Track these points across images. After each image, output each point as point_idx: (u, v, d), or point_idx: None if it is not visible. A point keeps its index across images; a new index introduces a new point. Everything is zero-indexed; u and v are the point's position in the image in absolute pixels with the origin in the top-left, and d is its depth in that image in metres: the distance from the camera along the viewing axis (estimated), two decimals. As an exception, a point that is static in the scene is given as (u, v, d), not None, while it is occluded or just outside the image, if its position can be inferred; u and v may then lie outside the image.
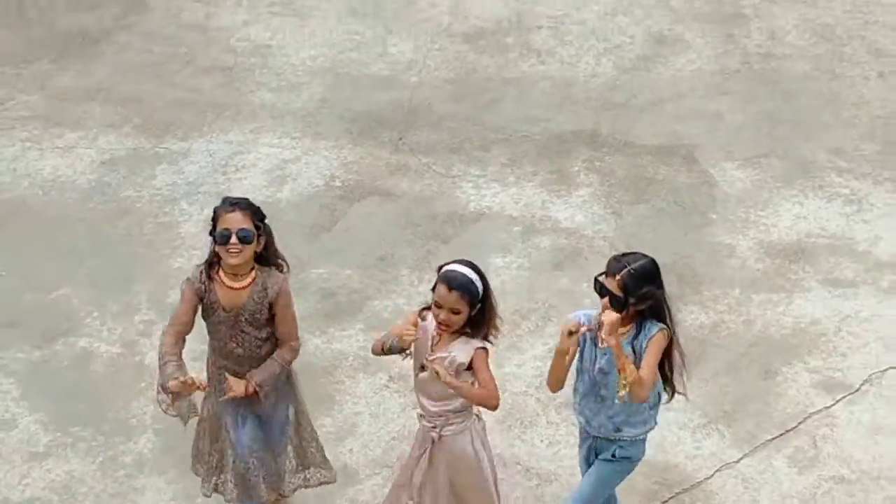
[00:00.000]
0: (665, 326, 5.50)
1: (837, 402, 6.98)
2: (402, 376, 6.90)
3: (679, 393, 5.69)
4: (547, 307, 7.54)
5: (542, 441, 6.79)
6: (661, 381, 5.66)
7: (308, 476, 6.12)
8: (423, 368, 5.62)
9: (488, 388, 5.56)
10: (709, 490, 6.53)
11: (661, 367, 5.57)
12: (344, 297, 7.59)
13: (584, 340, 5.59)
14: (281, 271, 5.77)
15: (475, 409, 5.72)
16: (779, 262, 7.86)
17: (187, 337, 5.73)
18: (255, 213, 5.65)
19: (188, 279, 5.75)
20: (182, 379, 5.48)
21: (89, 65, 9.60)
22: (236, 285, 5.69)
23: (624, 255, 5.54)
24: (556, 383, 5.67)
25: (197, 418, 6.00)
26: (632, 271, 5.39)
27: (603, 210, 8.26)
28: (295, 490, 6.12)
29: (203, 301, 5.74)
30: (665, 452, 6.67)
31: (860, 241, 8.01)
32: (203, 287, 5.71)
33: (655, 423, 5.77)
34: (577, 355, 5.64)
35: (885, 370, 7.15)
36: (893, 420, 6.87)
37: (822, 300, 7.59)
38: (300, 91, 9.34)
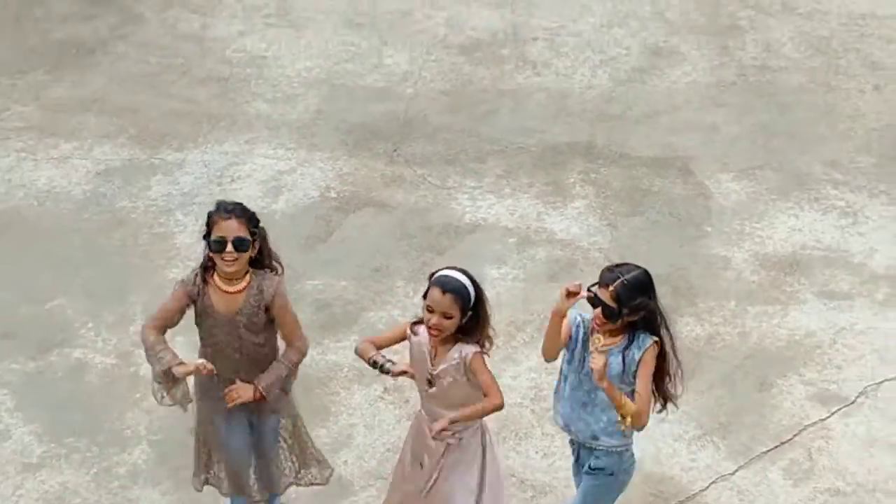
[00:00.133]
0: (657, 339, 5.51)
1: (833, 414, 6.99)
2: (398, 388, 6.91)
3: (671, 402, 5.68)
4: (542, 319, 7.52)
5: (536, 453, 6.80)
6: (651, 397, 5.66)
7: (301, 475, 6.13)
8: (430, 384, 5.63)
9: (491, 391, 5.60)
10: (704, 502, 6.53)
11: (654, 377, 5.56)
12: (339, 308, 7.59)
13: (576, 341, 5.58)
14: (275, 273, 5.77)
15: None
16: (774, 274, 7.88)
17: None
18: (250, 220, 5.66)
19: (182, 280, 5.76)
20: (193, 365, 5.55)
21: (85, 75, 9.61)
22: (231, 289, 5.70)
23: (617, 265, 5.55)
24: (549, 350, 5.62)
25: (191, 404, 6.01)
26: (625, 282, 5.41)
27: (598, 222, 8.28)
28: (287, 487, 6.14)
29: (196, 305, 5.75)
30: (660, 464, 6.68)
31: (855, 253, 8.03)
32: (197, 290, 5.72)
33: (632, 441, 5.74)
34: (567, 355, 5.63)
35: (881, 382, 7.17)
36: (889, 432, 6.88)
37: (818, 312, 7.60)
38: (296, 102, 9.35)
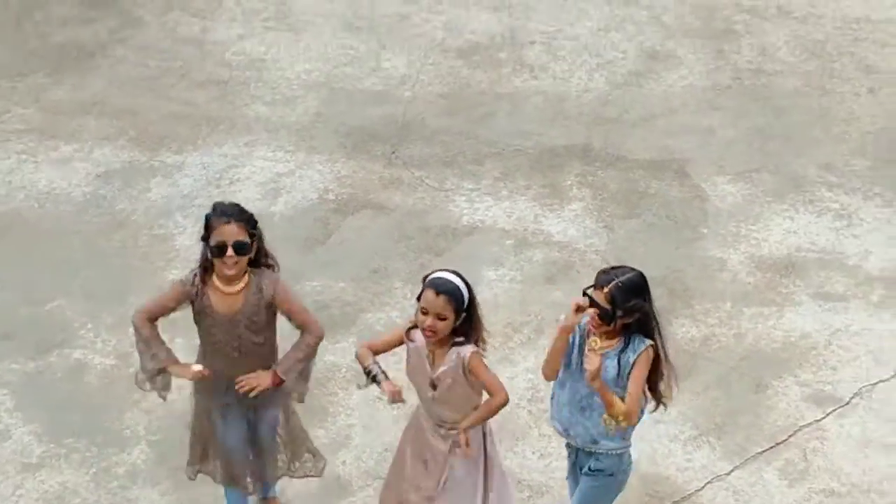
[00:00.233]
0: (652, 342, 5.51)
1: (828, 415, 7.00)
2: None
3: (662, 403, 5.69)
4: (539, 320, 7.55)
5: (533, 453, 6.80)
6: (643, 399, 5.66)
7: (293, 468, 6.13)
8: (433, 387, 5.64)
9: (494, 388, 5.62)
10: (699, 502, 6.54)
11: (648, 379, 5.57)
12: (337, 309, 7.59)
13: (573, 346, 5.59)
14: (272, 270, 5.78)
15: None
16: (769, 276, 7.88)
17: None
18: (248, 222, 5.66)
19: (181, 281, 5.77)
20: (190, 373, 5.70)
21: (85, 78, 9.61)
22: (231, 290, 5.70)
23: (612, 268, 5.56)
24: (552, 368, 5.64)
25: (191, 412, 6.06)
26: (619, 284, 5.42)
27: (595, 224, 8.28)
28: (279, 478, 6.14)
29: (194, 305, 5.75)
30: (656, 465, 6.68)
31: (850, 255, 8.03)
32: (195, 291, 5.72)
33: (630, 440, 5.75)
34: (564, 360, 5.64)
35: (875, 384, 7.17)
36: (883, 433, 6.89)
37: (813, 314, 7.61)
38: (294, 105, 9.35)
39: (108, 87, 9.53)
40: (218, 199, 8.20)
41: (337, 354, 7.33)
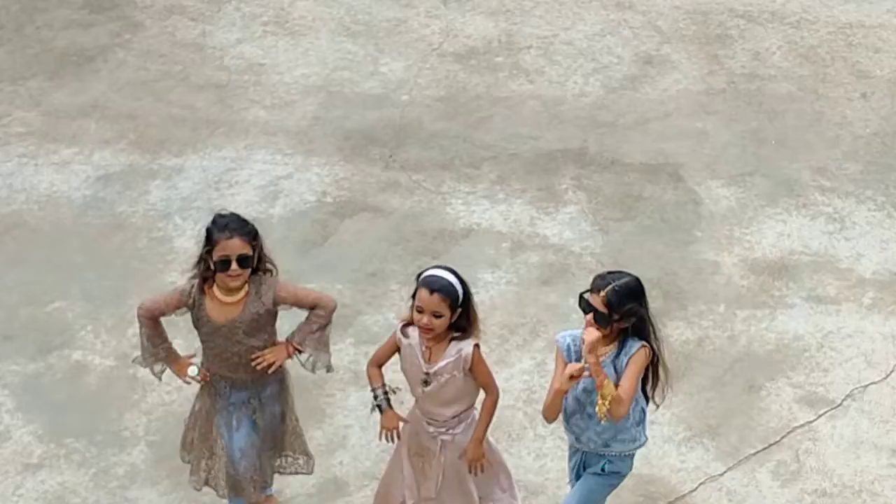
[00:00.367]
0: (647, 344, 5.53)
1: (820, 416, 7.00)
2: (392, 390, 6.89)
3: (653, 401, 5.72)
4: (535, 322, 7.55)
5: (529, 454, 6.80)
6: (642, 397, 5.68)
7: (284, 465, 6.13)
8: (426, 383, 5.65)
9: (490, 386, 5.68)
10: (693, 503, 6.54)
11: (643, 382, 5.60)
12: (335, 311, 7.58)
13: (570, 359, 5.60)
14: (270, 274, 5.78)
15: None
16: (763, 278, 7.88)
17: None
18: (250, 234, 5.66)
19: (180, 290, 5.78)
20: (190, 378, 5.81)
21: (85, 82, 9.60)
22: (231, 300, 5.70)
23: (609, 272, 5.59)
24: (552, 415, 5.69)
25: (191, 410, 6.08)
26: (616, 288, 5.43)
27: (590, 227, 8.28)
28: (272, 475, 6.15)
29: (192, 313, 5.76)
30: (650, 465, 6.68)
31: (842, 258, 8.03)
32: (192, 301, 5.72)
33: (646, 438, 5.79)
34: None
35: (867, 385, 7.18)
36: (875, 434, 6.90)
37: (805, 316, 7.61)
38: (293, 109, 9.35)
39: (108, 90, 9.52)
40: (217, 202, 8.30)
41: (334, 356, 7.25)
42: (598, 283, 5.49)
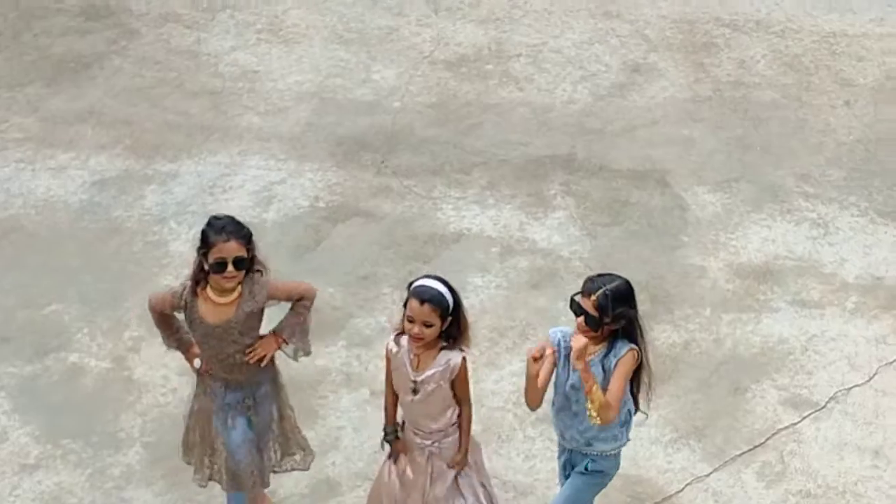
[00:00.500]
0: (635, 347, 5.53)
1: (804, 418, 7.01)
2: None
3: (640, 411, 5.72)
4: (524, 325, 7.55)
5: (518, 455, 6.80)
6: (630, 399, 5.69)
7: (282, 463, 6.14)
8: (414, 391, 5.64)
9: (466, 399, 5.69)
10: (680, 503, 6.54)
11: (631, 384, 5.60)
12: (327, 314, 7.58)
13: (560, 357, 5.61)
14: (261, 274, 5.79)
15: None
16: (748, 283, 7.89)
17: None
18: (246, 237, 5.67)
19: (172, 292, 5.80)
20: (193, 368, 5.87)
21: (82, 88, 9.59)
22: (224, 300, 5.71)
23: (599, 275, 5.57)
24: (533, 402, 5.70)
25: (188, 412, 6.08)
26: (607, 292, 5.43)
27: (579, 232, 8.29)
28: (270, 474, 6.15)
29: (185, 314, 5.77)
30: (638, 466, 6.69)
31: (826, 263, 8.05)
32: (185, 303, 5.73)
33: (627, 439, 5.80)
34: (557, 368, 5.67)
35: (850, 388, 7.19)
36: (858, 436, 6.91)
37: (790, 320, 7.62)
38: (286, 115, 9.35)
39: (104, 97, 9.51)
40: (211, 207, 8.29)
41: (327, 358, 7.33)
42: (589, 286, 5.48)
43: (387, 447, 5.95)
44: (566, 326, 5.68)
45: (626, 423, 5.76)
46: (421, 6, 10.50)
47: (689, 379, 7.23)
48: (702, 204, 8.51)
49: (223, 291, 5.68)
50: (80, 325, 7.57)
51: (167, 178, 8.73)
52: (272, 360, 5.94)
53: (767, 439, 6.89)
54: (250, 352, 5.80)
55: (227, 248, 5.59)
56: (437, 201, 8.53)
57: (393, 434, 5.85)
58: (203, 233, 5.66)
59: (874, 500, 6.59)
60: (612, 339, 5.53)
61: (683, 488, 6.63)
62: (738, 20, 10.36)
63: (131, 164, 8.88)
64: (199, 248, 5.66)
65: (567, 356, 5.56)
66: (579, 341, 5.40)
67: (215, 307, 5.72)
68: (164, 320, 5.89)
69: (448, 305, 5.50)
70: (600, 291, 5.41)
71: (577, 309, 5.48)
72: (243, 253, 5.62)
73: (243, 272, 5.66)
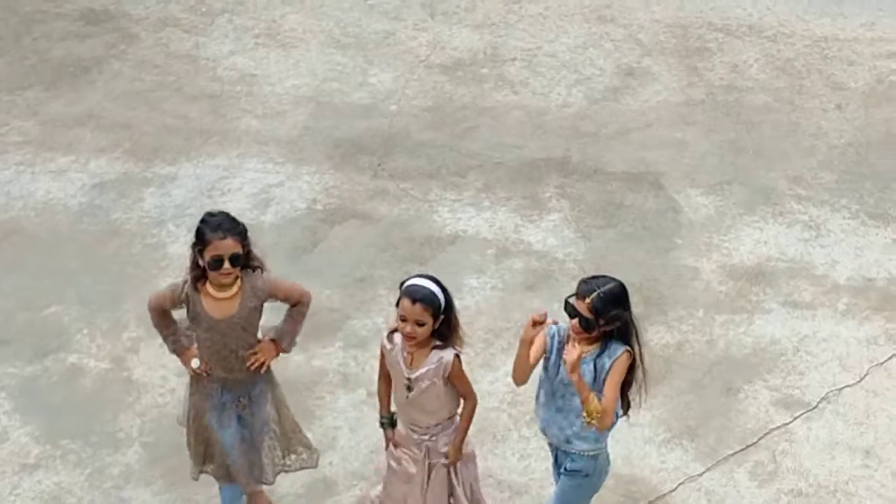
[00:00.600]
0: (629, 348, 5.52)
1: (796, 418, 7.02)
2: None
3: (626, 414, 5.70)
4: (519, 327, 7.49)
5: (513, 455, 6.80)
6: (619, 403, 5.68)
7: (288, 463, 6.14)
8: (409, 389, 5.65)
9: (469, 394, 5.69)
10: (673, 502, 6.55)
11: (623, 386, 5.58)
12: (324, 315, 7.58)
13: (552, 349, 5.60)
14: (260, 271, 5.81)
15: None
16: (741, 284, 7.90)
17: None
18: (242, 234, 5.68)
19: (172, 287, 5.81)
20: (191, 369, 5.85)
21: (81, 92, 9.59)
22: (224, 295, 5.71)
23: (593, 278, 5.56)
24: (520, 376, 5.66)
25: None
26: (601, 294, 5.42)
27: (573, 234, 8.29)
28: (277, 475, 6.15)
29: (187, 310, 5.77)
30: (631, 466, 6.69)
31: (818, 265, 8.05)
32: (185, 297, 5.74)
33: (605, 443, 5.76)
34: (543, 362, 5.65)
35: (842, 388, 7.19)
36: (849, 436, 6.91)
37: (782, 321, 7.63)
38: (284, 118, 9.35)
39: (103, 100, 9.51)
40: (210, 209, 8.26)
41: (324, 359, 7.33)
42: (583, 288, 5.47)
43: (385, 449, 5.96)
44: (563, 323, 5.66)
45: (610, 427, 5.74)
46: (417, 11, 10.51)
47: (682, 379, 7.23)
48: (695, 206, 8.52)
49: (222, 287, 5.69)
50: (79, 326, 7.57)
51: (166, 181, 8.73)
52: None
53: (760, 439, 6.89)
54: (251, 356, 5.82)
55: (223, 246, 5.60)
56: (433, 204, 8.53)
57: (388, 421, 5.85)
58: (198, 230, 5.66)
59: (865, 498, 6.59)
60: (606, 339, 5.52)
61: (677, 487, 6.64)
62: (731, 25, 10.38)
63: (130, 167, 8.88)
64: (195, 246, 5.67)
65: (559, 350, 5.56)
66: (572, 353, 5.38)
67: (217, 302, 5.73)
68: (162, 320, 5.88)
69: (440, 304, 5.51)
70: (594, 294, 5.40)
71: (571, 311, 5.47)
72: (239, 249, 5.63)
73: (239, 268, 5.68)
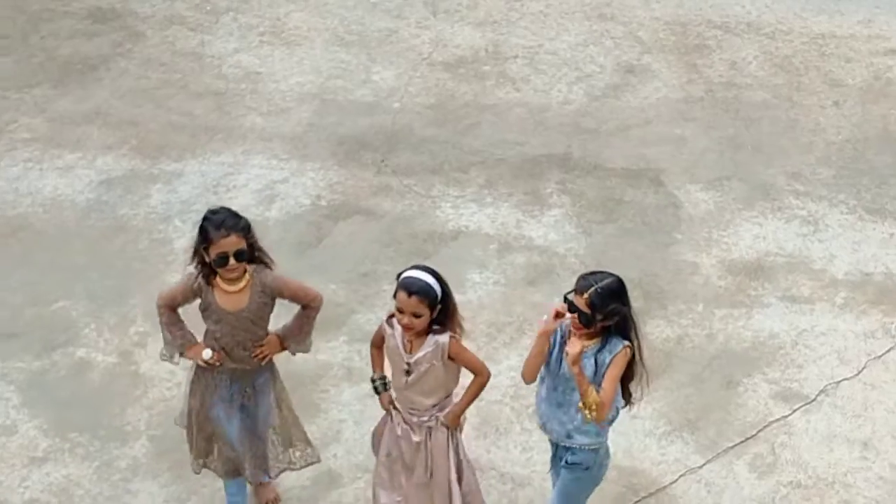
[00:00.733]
0: (629, 343, 5.52)
1: (795, 411, 7.02)
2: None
3: (630, 404, 5.70)
4: (521, 321, 7.55)
5: (515, 447, 6.80)
6: (620, 397, 5.67)
7: (293, 459, 6.14)
8: (408, 373, 5.66)
9: (477, 368, 5.68)
10: (673, 494, 6.55)
11: (623, 378, 5.59)
12: (329, 310, 7.53)
13: (555, 343, 5.60)
14: (269, 267, 5.81)
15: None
16: (740, 279, 7.89)
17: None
18: (245, 229, 5.67)
19: (188, 275, 5.80)
20: (202, 360, 5.82)
21: (88, 90, 9.59)
22: (235, 288, 5.73)
23: (591, 273, 5.56)
24: (531, 371, 5.66)
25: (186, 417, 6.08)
26: (599, 290, 5.42)
27: (574, 229, 8.28)
28: (281, 472, 6.15)
29: (201, 300, 5.78)
30: (632, 458, 6.69)
31: (816, 259, 8.05)
32: (199, 287, 5.75)
33: (606, 437, 5.76)
34: (546, 358, 5.65)
35: (840, 381, 7.19)
36: (847, 429, 6.91)
37: (780, 315, 7.62)
38: (288, 115, 9.35)
39: (110, 98, 9.51)
40: (215, 206, 8.26)
41: (329, 353, 7.33)
42: (581, 284, 5.48)
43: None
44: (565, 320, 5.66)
45: (612, 420, 5.75)
46: (420, 9, 10.50)
47: (682, 373, 7.23)
48: (694, 202, 8.51)
49: (231, 281, 5.71)
50: (87, 320, 7.57)
51: (172, 178, 8.73)
52: None
53: (759, 432, 6.89)
54: (257, 349, 5.83)
55: (226, 243, 5.60)
56: (435, 200, 8.53)
57: (381, 383, 5.84)
58: (202, 228, 5.67)
59: (863, 490, 6.59)
60: (606, 334, 5.52)
61: (677, 479, 6.64)
62: (730, 22, 10.37)
63: (137, 163, 8.88)
64: (200, 243, 5.67)
65: (562, 345, 5.56)
66: (575, 347, 5.38)
67: (228, 295, 5.75)
68: (173, 316, 5.86)
69: (436, 296, 5.52)
70: (592, 289, 5.40)
71: (570, 307, 5.47)
72: (243, 245, 5.63)
73: (246, 262, 5.68)
